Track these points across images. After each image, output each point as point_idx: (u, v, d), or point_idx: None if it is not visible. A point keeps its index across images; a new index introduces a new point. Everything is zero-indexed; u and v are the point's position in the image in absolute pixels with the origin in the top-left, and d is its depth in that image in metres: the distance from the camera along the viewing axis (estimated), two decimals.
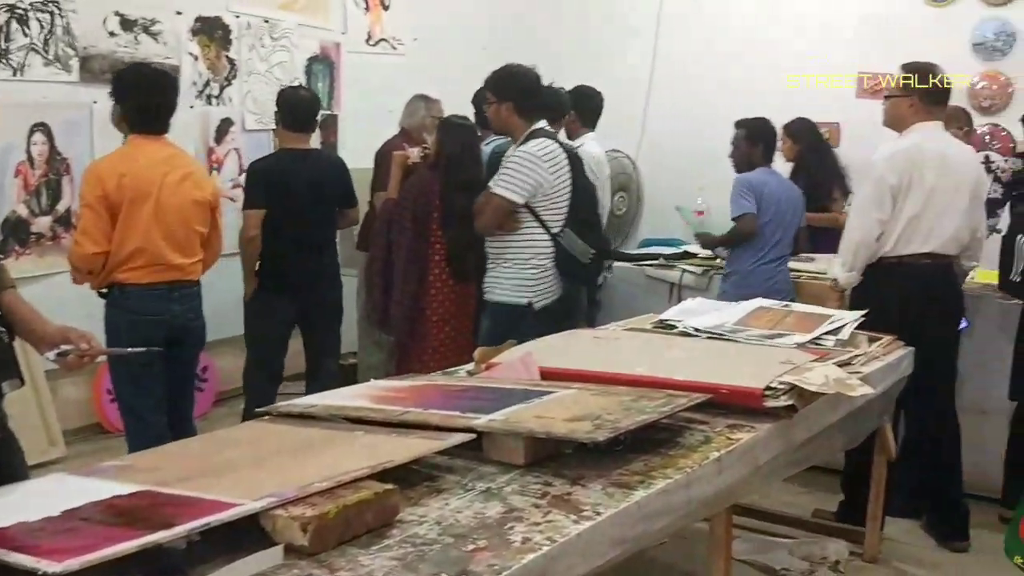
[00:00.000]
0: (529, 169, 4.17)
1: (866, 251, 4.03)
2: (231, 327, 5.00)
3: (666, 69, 6.97)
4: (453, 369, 3.02)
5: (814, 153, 5.77)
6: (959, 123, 5.08)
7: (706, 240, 5.22)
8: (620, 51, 7.11)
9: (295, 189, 4.65)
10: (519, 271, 4.30)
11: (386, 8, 6.78)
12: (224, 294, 4.77)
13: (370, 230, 5.20)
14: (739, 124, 5.09)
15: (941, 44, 6.02)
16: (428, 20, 7.02)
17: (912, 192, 3.96)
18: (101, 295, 3.88)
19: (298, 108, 4.78)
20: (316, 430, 2.23)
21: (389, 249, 4.82)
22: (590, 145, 5.35)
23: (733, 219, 4.86)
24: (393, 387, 2.63)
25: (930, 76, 4.08)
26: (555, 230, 4.28)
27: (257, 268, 4.74)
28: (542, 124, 4.34)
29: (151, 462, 2.07)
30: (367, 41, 6.68)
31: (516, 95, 4.30)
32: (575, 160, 4.39)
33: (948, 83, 4.10)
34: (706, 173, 6.51)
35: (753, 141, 5.00)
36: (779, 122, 6.41)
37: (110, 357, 3.83)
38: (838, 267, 4.14)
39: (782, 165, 5.58)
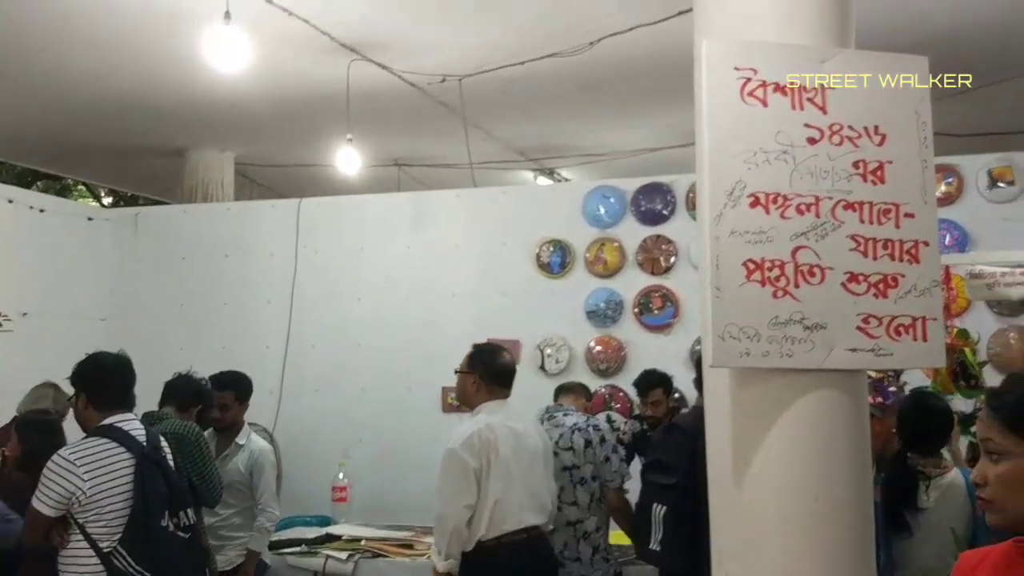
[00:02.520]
0: (59, 477, 3.63)
1: (459, 538, 4.13)
2: None
3: (301, 336, 6.93)
4: None
5: None
6: (585, 395, 5.42)
7: None
8: (254, 320, 7.02)
9: None
10: None
11: None
12: None
13: None
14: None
15: (559, 312, 6.51)
16: (40, 293, 6.60)
17: (493, 471, 4.16)
18: None
19: None
20: None
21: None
22: (257, 439, 5.24)
23: None
24: None
25: (494, 358, 4.45)
26: (106, 547, 3.67)
27: None
28: (119, 417, 3.85)
29: None
30: None
31: (90, 387, 3.88)
32: (146, 461, 3.79)
33: (512, 366, 4.47)
34: (347, 443, 6.48)
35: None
36: (417, 382, 6.64)
37: None
38: (435, 556, 4.21)
39: None
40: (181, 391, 4.86)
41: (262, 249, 7.14)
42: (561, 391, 5.35)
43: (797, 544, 2.57)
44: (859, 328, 2.54)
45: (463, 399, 4.50)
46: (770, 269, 2.52)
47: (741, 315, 2.51)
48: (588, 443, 4.66)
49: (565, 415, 4.83)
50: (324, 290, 6.98)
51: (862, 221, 2.52)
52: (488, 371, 4.39)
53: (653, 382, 5.51)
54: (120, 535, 3.70)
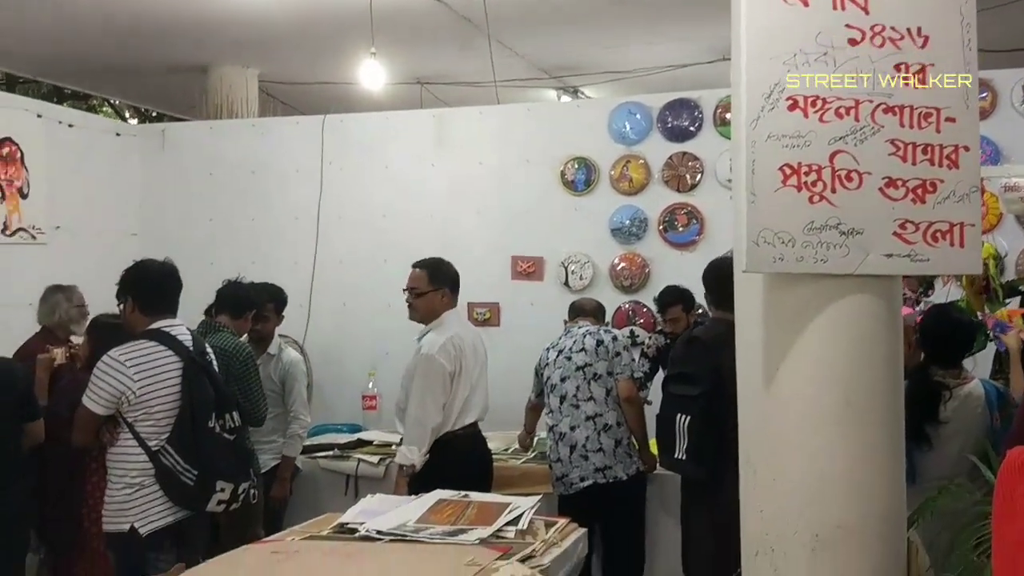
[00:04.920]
0: (110, 376, 3.77)
1: (434, 434, 4.55)
2: None
3: (329, 253, 6.99)
4: None
5: None
6: (600, 316, 5.43)
7: None
8: (282, 236, 7.07)
9: None
10: (116, 492, 3.84)
11: (24, 196, 6.34)
12: None
13: None
14: None
15: (584, 229, 6.52)
16: (71, 207, 6.67)
17: (462, 375, 4.65)
18: None
19: None
20: None
21: (44, 464, 4.40)
22: (289, 350, 5.36)
23: None
24: None
25: (451, 269, 4.86)
26: (155, 445, 3.83)
27: None
28: (166, 322, 3.98)
29: None
30: (3, 231, 6.19)
31: (137, 292, 4.00)
32: (193, 365, 3.94)
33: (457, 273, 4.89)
34: (375, 357, 6.55)
35: None
36: None
37: None
38: (414, 453, 4.53)
39: None
40: (233, 298, 4.95)
41: (288, 165, 7.15)
42: (578, 313, 5.38)
43: (827, 448, 2.60)
44: (896, 234, 2.53)
45: (431, 315, 4.77)
46: (807, 174, 2.52)
47: (776, 220, 2.52)
48: (600, 343, 4.94)
49: (579, 328, 5.12)
50: (350, 207, 7.01)
51: (902, 125, 2.50)
52: (452, 283, 4.84)
53: (672, 299, 5.56)
54: (168, 434, 3.83)
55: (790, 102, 2.50)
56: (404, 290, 4.84)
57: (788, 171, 2.52)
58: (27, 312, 5.42)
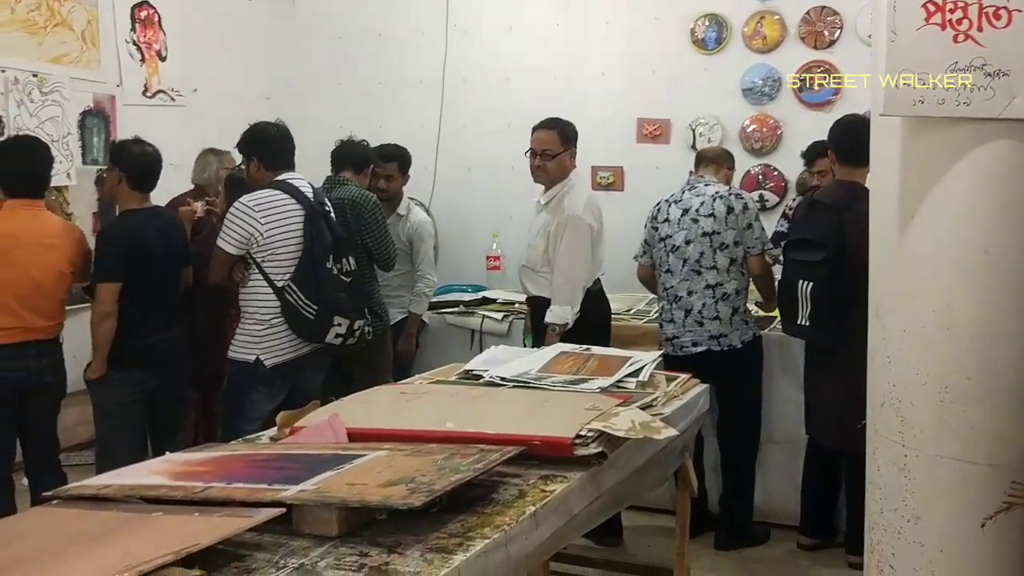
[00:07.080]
0: (240, 220, 4.19)
1: (583, 291, 4.61)
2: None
3: (453, 117, 7.02)
4: (254, 436, 2.88)
5: None
6: (728, 164, 5.30)
7: None
8: (408, 100, 7.11)
9: (153, 253, 4.40)
10: (248, 326, 4.29)
11: (163, 59, 6.55)
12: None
13: None
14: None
15: (713, 90, 6.36)
16: (207, 71, 6.84)
17: (600, 232, 4.72)
18: None
19: (150, 164, 4.53)
20: (111, 513, 2.03)
21: (190, 310, 4.73)
22: (418, 211, 5.46)
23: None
24: (192, 460, 2.46)
25: (574, 128, 4.80)
26: (280, 283, 4.23)
27: None
28: (289, 175, 4.35)
29: None
30: (144, 93, 6.42)
31: (260, 151, 4.37)
32: (313, 212, 4.29)
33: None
34: (498, 220, 6.61)
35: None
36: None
37: None
38: (567, 312, 4.56)
39: None
40: (350, 153, 5.06)
41: (413, 28, 7.14)
42: (701, 161, 5.16)
43: (961, 297, 2.52)
44: None
45: (561, 176, 4.71)
46: (952, 11, 2.38)
47: (917, 60, 2.40)
48: (730, 210, 4.67)
49: (706, 185, 4.85)
50: (474, 70, 6.99)
51: None
52: (576, 142, 4.79)
53: (820, 151, 5.32)
54: (291, 274, 4.20)
55: None
56: (532, 153, 4.73)
57: (932, 8, 2.39)
58: (169, 172, 5.60)
